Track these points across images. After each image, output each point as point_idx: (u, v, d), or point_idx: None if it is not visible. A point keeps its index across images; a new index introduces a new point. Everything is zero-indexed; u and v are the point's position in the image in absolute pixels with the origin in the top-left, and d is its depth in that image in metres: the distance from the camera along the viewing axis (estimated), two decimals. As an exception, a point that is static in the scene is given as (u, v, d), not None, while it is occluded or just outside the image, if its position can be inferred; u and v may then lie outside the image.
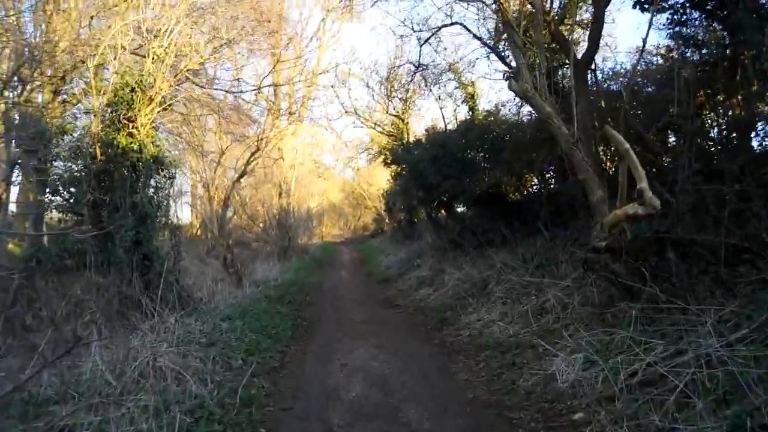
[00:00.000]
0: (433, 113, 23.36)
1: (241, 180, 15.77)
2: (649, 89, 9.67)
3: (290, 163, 27.15)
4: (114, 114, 8.71)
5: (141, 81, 8.64)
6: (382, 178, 35.18)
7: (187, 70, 9.14)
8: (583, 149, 6.59)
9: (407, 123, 17.57)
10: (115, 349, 6.04)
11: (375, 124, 18.12)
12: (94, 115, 9.03)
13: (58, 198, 9.77)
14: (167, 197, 10.05)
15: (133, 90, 8.63)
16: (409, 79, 15.47)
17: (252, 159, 15.62)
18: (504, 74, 10.92)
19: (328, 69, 19.89)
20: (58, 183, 9.60)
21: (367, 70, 18.11)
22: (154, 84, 8.69)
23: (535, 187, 13.23)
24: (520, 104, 12.56)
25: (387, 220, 35.26)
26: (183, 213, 36.37)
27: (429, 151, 13.79)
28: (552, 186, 12.40)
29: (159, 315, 8.06)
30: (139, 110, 8.60)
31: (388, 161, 16.41)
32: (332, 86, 18.80)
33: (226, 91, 12.66)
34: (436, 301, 11.48)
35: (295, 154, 28.18)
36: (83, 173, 9.16)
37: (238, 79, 12.73)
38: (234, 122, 15.14)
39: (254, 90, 12.36)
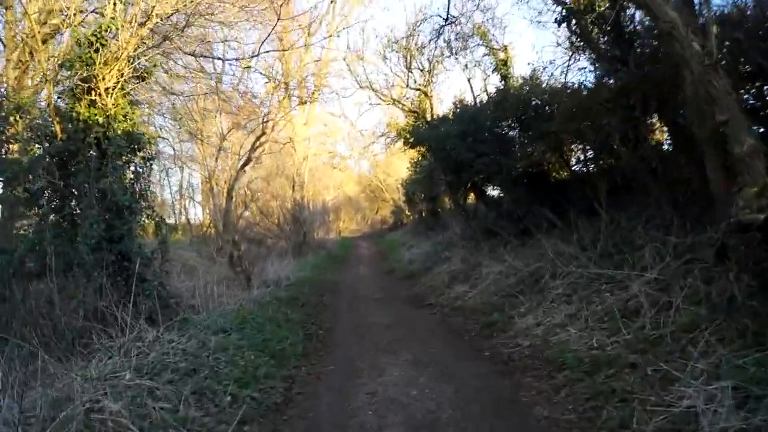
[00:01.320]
0: (457, 89, 21.28)
1: (246, 168, 14.02)
2: None
3: (303, 155, 25.47)
4: (70, 77, 6.95)
5: (100, 33, 6.85)
6: (400, 168, 33.44)
7: (160, 18, 7.30)
8: (723, 76, 4.59)
9: (431, 97, 15.63)
10: (40, 391, 4.25)
11: (394, 100, 16.23)
12: (45, 79, 7.27)
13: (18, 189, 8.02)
14: (148, 184, 8.26)
15: (91, 45, 6.87)
16: (435, 38, 13.45)
17: (257, 144, 13.86)
18: (556, 16, 8.97)
19: (339, 31, 17.87)
20: (15, 169, 7.84)
21: (384, 40, 16.07)
22: (118, 36, 6.90)
23: (587, 163, 11.26)
24: (567, 64, 10.62)
25: (407, 212, 33.45)
26: (196, 210, 35.12)
27: (458, 125, 11.92)
28: (612, 159, 10.42)
29: (135, 330, 6.31)
30: (100, 71, 6.81)
31: (410, 141, 14.49)
32: (344, 59, 16.86)
33: (217, 58, 10.81)
34: (476, 300, 9.63)
35: (307, 144, 26.50)
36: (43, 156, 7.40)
37: (229, 41, 10.77)
38: (227, 101, 13.30)
39: (252, 57, 10.46)
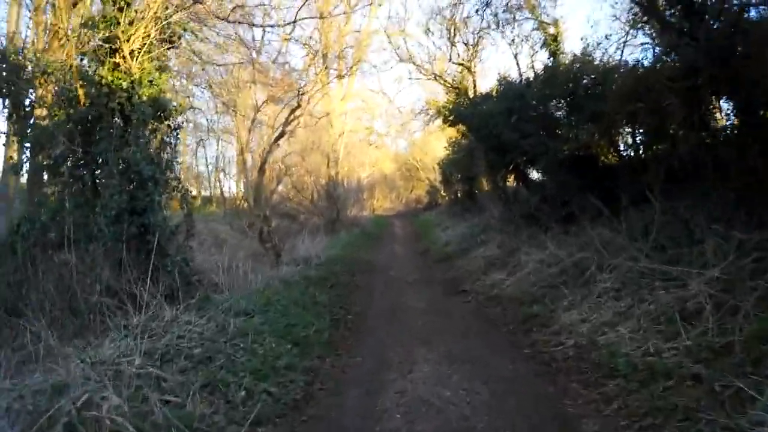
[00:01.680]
0: (501, 66, 20.28)
1: (280, 142, 13.60)
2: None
3: (339, 130, 25.01)
4: (93, 38, 6.56)
5: (124, -11, 6.42)
6: (437, 148, 32.78)
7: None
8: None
9: (474, 73, 14.91)
10: (39, 377, 3.89)
11: (435, 75, 15.55)
12: (66, 39, 6.90)
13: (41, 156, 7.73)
14: (175, 155, 7.89)
15: (114, 3, 6.46)
16: (483, 7, 12.64)
17: (292, 117, 13.40)
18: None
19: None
20: (40, 136, 7.54)
21: (427, 11, 15.34)
22: (143, -6, 6.49)
23: (639, 148, 10.50)
24: (625, 39, 9.83)
25: (442, 192, 32.79)
26: (230, 183, 35.10)
27: (502, 103, 11.25)
28: (668, 144, 9.66)
29: (152, 309, 5.97)
30: (124, 32, 6.39)
31: (450, 119, 13.84)
32: (385, 31, 16.22)
33: (251, 24, 10.30)
34: (515, 289, 9.06)
35: (344, 120, 26.03)
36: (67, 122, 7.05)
37: (265, 6, 10.27)
38: (263, 72, 12.84)
39: (289, 24, 9.97)
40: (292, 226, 23.10)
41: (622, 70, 9.87)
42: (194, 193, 35.42)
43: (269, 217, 13.39)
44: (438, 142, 33.14)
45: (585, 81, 10.10)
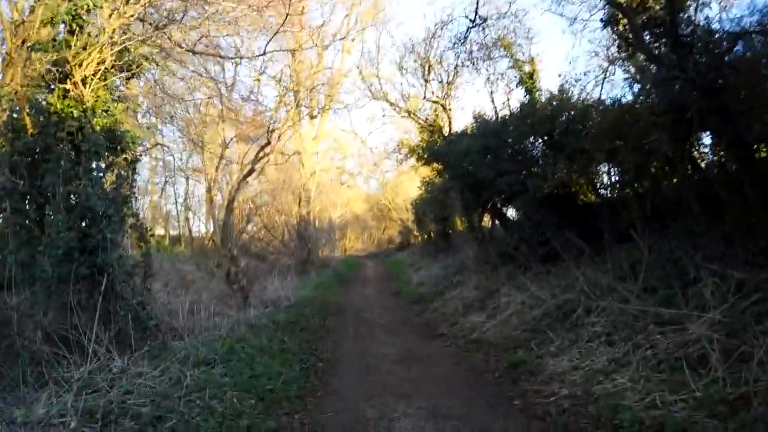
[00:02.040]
0: (476, 104, 20.10)
1: (248, 179, 13.05)
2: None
3: (311, 170, 24.62)
4: (41, 62, 6.03)
5: (77, 11, 5.91)
6: (409, 189, 32.59)
7: (149, 1, 6.38)
8: None
9: (449, 110, 14.66)
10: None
11: (409, 113, 15.28)
12: (9, 62, 6.36)
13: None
14: (132, 190, 7.31)
15: (65, 24, 5.96)
16: (459, 42, 12.30)
17: (261, 155, 12.91)
18: (602, 17, 8.03)
19: (353, 38, 16.92)
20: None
21: (401, 49, 15.12)
22: (97, 13, 5.99)
23: (616, 186, 10.24)
24: (604, 76, 9.66)
25: (415, 233, 32.45)
26: (200, 222, 34.21)
27: (479, 141, 10.96)
28: (649, 182, 9.40)
29: (100, 359, 5.33)
30: (75, 56, 5.87)
31: (424, 157, 13.50)
32: (358, 67, 15.97)
33: (219, 56, 9.84)
34: (497, 333, 8.58)
35: (315, 159, 25.67)
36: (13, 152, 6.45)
37: (233, 36, 9.79)
38: (232, 110, 12.39)
39: (259, 57, 9.58)
40: (262, 266, 22.40)
41: (601, 107, 9.69)
42: (162, 232, 34.58)
43: (237, 257, 12.78)
44: (410, 183, 32.99)
45: (563, 118, 9.86)
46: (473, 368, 7.11)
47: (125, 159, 6.81)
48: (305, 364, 6.99)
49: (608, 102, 9.40)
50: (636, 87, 8.98)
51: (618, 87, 10.16)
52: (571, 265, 9.25)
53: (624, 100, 9.20)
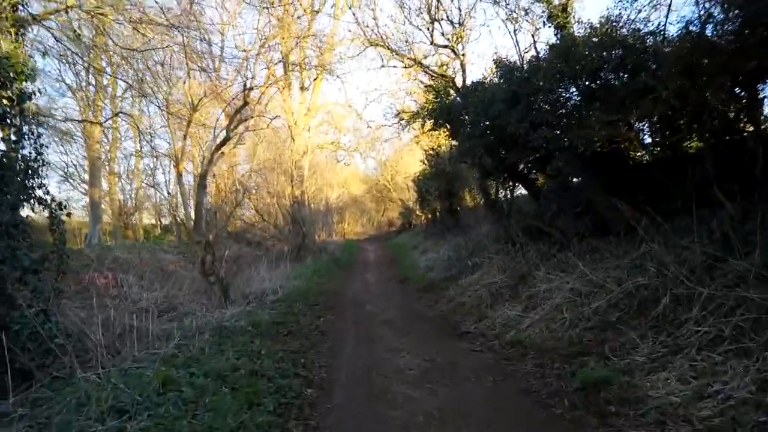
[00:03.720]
0: (493, 51, 16.92)
1: (223, 149, 10.72)
2: None
3: (303, 147, 22.42)
4: None
5: None
6: (410, 166, 30.42)
7: None
8: None
9: (462, 57, 12.33)
10: None
11: (414, 61, 12.97)
12: None
13: None
14: (39, 152, 5.11)
15: None
16: None
17: (238, 118, 10.57)
18: None
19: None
20: None
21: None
22: None
23: (683, 139, 8.03)
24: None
25: (418, 212, 30.16)
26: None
27: (505, 89, 8.74)
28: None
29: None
30: None
31: (432, 118, 11.24)
32: (350, 7, 13.62)
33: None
34: (544, 332, 6.48)
35: (308, 135, 23.44)
36: None
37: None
38: (196, 59, 10.08)
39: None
40: (256, 253, 20.47)
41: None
42: (153, 221, 32.54)
43: (212, 243, 10.64)
44: (411, 159, 30.79)
45: (615, 53, 7.60)
46: (528, 390, 4.97)
47: (9, 99, 4.60)
48: (286, 397, 4.77)
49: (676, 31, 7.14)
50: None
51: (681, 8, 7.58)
52: (625, 240, 7.22)
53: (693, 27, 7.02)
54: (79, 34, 9.13)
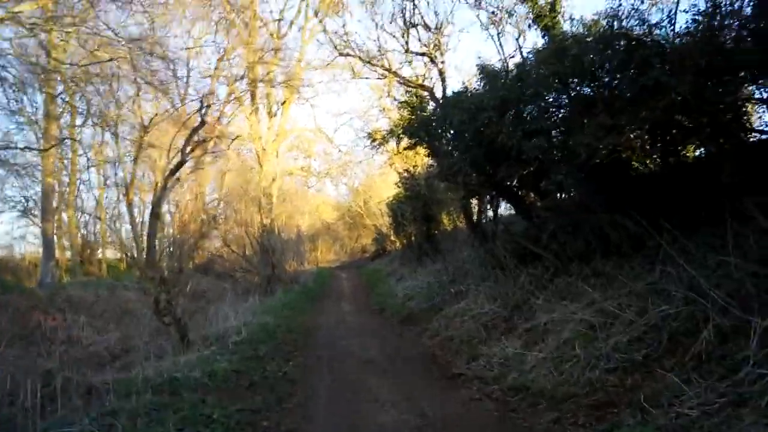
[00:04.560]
0: (473, 60, 16.05)
1: (179, 175, 9.50)
2: None
3: (272, 174, 21.40)
4: None
5: None
6: (383, 190, 29.43)
7: None
8: None
9: (441, 65, 11.37)
10: None
11: (388, 70, 12.01)
12: None
13: None
14: None
15: None
16: None
17: (195, 141, 9.40)
18: None
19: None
20: None
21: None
22: None
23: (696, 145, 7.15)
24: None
25: (392, 238, 29.06)
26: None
27: (492, 95, 7.79)
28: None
29: None
30: None
31: (412, 130, 10.24)
32: (316, 14, 12.71)
33: None
34: (555, 376, 5.40)
35: (276, 162, 22.41)
36: None
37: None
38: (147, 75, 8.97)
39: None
40: (224, 286, 19.31)
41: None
42: (118, 256, 30.96)
43: (168, 280, 9.44)
44: (384, 184, 29.93)
45: (619, 46, 6.69)
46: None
47: None
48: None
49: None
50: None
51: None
52: (635, 262, 6.32)
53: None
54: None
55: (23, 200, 22.08)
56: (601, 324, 5.72)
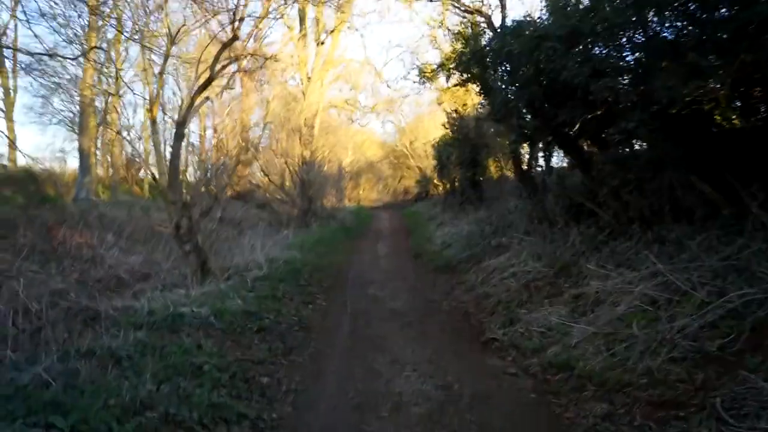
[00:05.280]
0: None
1: (206, 93, 8.83)
2: None
3: (316, 105, 20.70)
4: None
5: None
6: (430, 131, 28.32)
7: None
8: None
9: None
10: None
11: None
12: None
13: None
14: None
15: None
16: None
17: (226, 57, 8.69)
18: None
19: None
20: None
21: None
22: None
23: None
24: None
25: (436, 181, 28.16)
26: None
27: (559, 24, 6.72)
28: None
29: None
30: None
31: (465, 61, 9.22)
32: None
33: None
34: (606, 357, 4.57)
35: (321, 91, 21.67)
36: None
37: None
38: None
39: None
40: (261, 216, 19.09)
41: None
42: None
43: (189, 204, 8.88)
44: (431, 124, 28.81)
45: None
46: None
47: None
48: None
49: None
50: None
51: None
52: (710, 231, 5.39)
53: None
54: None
55: (71, 114, 21.78)
56: (665, 301, 4.85)
